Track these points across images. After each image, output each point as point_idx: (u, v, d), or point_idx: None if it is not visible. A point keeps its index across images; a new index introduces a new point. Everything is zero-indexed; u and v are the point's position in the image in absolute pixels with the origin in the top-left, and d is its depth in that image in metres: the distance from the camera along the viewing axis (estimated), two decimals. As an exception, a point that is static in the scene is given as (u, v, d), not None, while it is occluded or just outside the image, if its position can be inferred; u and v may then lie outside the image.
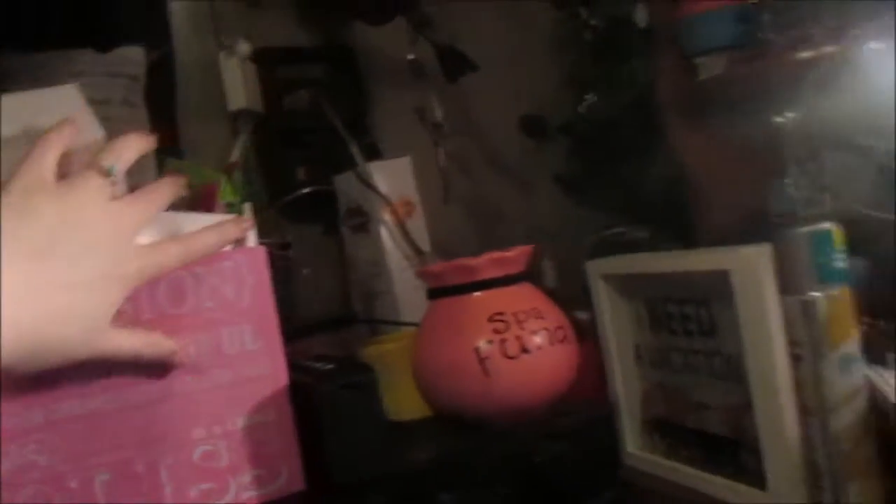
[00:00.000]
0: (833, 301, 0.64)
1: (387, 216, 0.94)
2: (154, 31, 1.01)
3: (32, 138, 0.57)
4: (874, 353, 0.76)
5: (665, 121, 1.12)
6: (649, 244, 1.12)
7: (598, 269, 0.85)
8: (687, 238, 1.10)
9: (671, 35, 1.15)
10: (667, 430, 0.83)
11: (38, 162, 0.49)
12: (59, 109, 0.64)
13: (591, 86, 1.12)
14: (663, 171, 1.12)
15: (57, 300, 0.46)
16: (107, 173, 0.50)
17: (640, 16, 1.22)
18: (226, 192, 0.61)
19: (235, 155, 0.86)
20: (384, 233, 0.94)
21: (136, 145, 0.54)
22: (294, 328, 0.97)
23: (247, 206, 0.59)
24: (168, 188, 0.54)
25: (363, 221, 0.96)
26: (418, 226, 0.96)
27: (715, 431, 0.76)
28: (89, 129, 0.63)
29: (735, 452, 0.73)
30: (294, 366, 0.60)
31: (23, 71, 0.92)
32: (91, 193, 0.50)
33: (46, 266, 0.46)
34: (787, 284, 0.65)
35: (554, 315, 0.68)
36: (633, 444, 0.85)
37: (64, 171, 0.51)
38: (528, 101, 1.25)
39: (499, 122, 1.24)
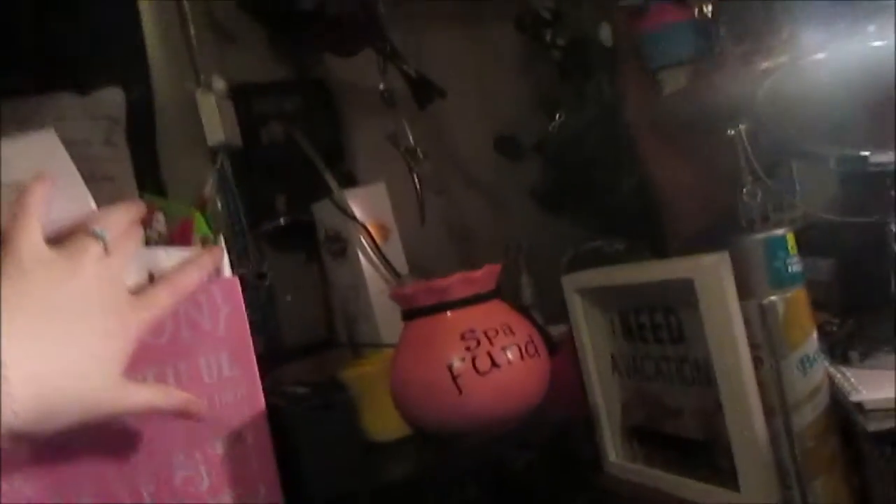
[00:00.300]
0: (789, 303, 0.66)
1: (364, 241, 0.97)
2: (132, 72, 1.03)
3: (12, 185, 0.60)
4: (838, 351, 0.79)
5: (632, 135, 1.15)
6: (625, 256, 1.15)
7: (572, 284, 0.88)
8: (660, 249, 1.12)
9: (634, 51, 1.19)
10: (645, 437, 0.85)
11: (26, 229, 0.51)
12: (38, 155, 0.67)
13: (560, 104, 1.16)
14: (634, 184, 1.15)
15: (70, 356, 0.47)
16: (98, 238, 0.53)
17: (605, 34, 1.26)
18: (200, 226, 0.63)
19: (207, 190, 0.89)
20: (362, 257, 0.97)
21: (126, 214, 0.56)
22: (277, 354, 0.99)
23: (220, 238, 0.62)
24: (136, 225, 0.56)
25: (341, 247, 0.98)
26: (396, 249, 0.99)
27: (690, 436, 0.78)
28: (66, 173, 0.65)
29: (710, 455, 0.75)
30: (272, 390, 0.63)
31: (4, 117, 0.94)
32: (85, 256, 0.51)
33: (53, 326, 0.47)
34: (745, 290, 0.67)
35: (524, 330, 0.70)
36: (614, 453, 0.87)
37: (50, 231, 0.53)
38: (501, 122, 1.28)
39: (473, 144, 1.27)
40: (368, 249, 0.96)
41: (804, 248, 0.70)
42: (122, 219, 0.56)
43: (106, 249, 0.52)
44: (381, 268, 0.95)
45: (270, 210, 1.07)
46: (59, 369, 0.47)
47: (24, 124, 0.95)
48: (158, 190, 1.02)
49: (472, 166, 1.26)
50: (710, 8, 1.07)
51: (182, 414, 0.55)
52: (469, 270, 0.71)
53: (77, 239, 0.53)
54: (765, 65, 1.00)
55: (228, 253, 0.66)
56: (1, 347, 0.44)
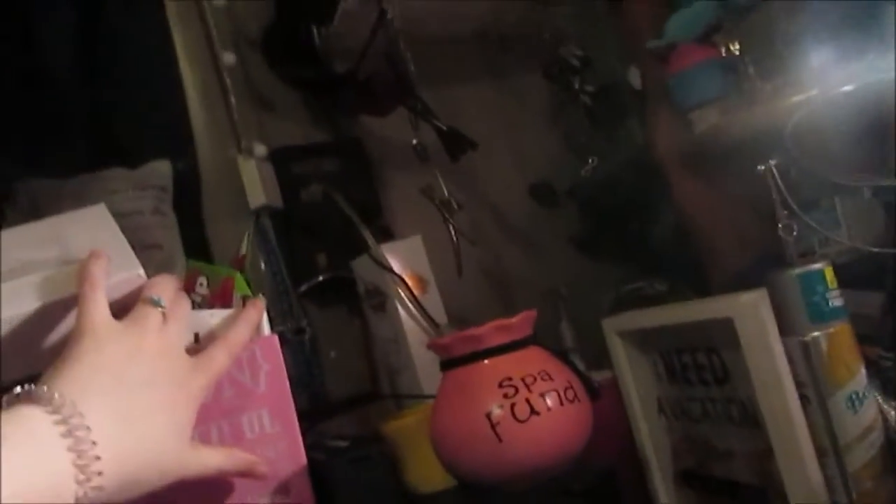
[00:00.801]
0: (832, 339, 0.64)
1: (402, 294, 0.98)
2: (177, 143, 1.09)
3: (68, 260, 0.63)
4: (892, 387, 0.76)
5: (666, 175, 1.15)
6: (666, 297, 1.13)
7: (613, 326, 0.87)
8: (702, 287, 1.11)
9: (663, 93, 1.19)
10: (696, 481, 0.83)
11: (96, 304, 0.54)
12: (90, 229, 0.71)
13: (592, 149, 1.17)
14: (672, 224, 1.14)
15: (146, 427, 0.50)
16: (156, 304, 0.56)
17: (634, 78, 1.27)
18: (240, 286, 0.65)
19: (243, 248, 0.92)
20: (401, 310, 0.98)
21: (173, 281, 0.60)
22: (322, 408, 1.00)
23: (260, 297, 0.64)
24: (182, 294, 0.58)
25: (381, 301, 1.00)
26: (434, 300, 1.00)
27: (742, 479, 0.76)
28: (117, 244, 0.68)
29: (763, 499, 0.73)
30: (314, 444, 0.63)
31: (59, 196, 1.00)
32: (148, 326, 0.54)
33: (129, 400, 0.50)
34: (786, 326, 0.66)
35: (563, 375, 0.70)
36: (666, 498, 0.85)
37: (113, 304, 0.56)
38: (534, 169, 1.30)
39: (507, 192, 1.29)
40: (407, 302, 0.97)
41: (851, 281, 0.69)
42: (172, 286, 0.58)
43: (164, 317, 0.55)
44: (421, 320, 0.96)
45: (312, 267, 1.10)
46: (138, 442, 0.49)
47: (79, 200, 1.00)
48: (204, 254, 1.05)
49: (507, 215, 1.27)
50: (736, 46, 1.08)
51: (247, 475, 0.57)
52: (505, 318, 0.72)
53: (138, 309, 0.55)
54: (794, 99, 1.00)
55: (270, 311, 0.68)
56: (90, 426, 0.46)
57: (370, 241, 0.98)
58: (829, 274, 0.66)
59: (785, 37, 1.03)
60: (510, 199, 1.28)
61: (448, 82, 1.24)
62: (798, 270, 0.66)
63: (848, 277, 0.67)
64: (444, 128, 1.05)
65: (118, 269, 0.63)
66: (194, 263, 0.74)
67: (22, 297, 0.58)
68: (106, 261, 0.58)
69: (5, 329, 0.57)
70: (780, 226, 0.76)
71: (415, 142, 1.06)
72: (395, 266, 0.98)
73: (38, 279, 0.60)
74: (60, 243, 0.68)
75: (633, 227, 1.16)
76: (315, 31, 1.14)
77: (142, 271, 0.67)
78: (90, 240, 0.68)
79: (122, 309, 0.56)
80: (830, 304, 0.65)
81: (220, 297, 0.66)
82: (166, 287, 0.58)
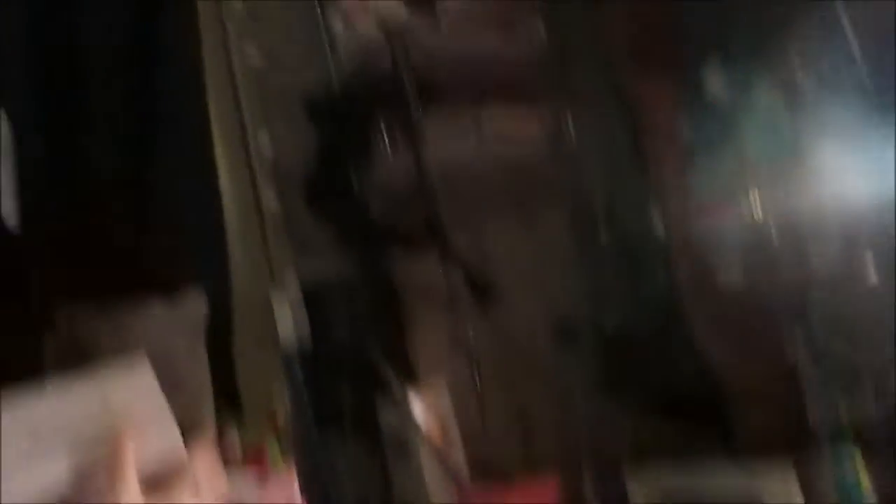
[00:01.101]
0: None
1: (425, 442, 0.98)
2: (214, 275, 1.12)
3: (110, 415, 0.64)
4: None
5: (691, 326, 1.16)
6: (692, 445, 1.12)
7: (639, 494, 0.87)
8: (726, 440, 1.10)
9: (688, 244, 1.22)
10: None
11: (125, 484, 0.51)
12: (129, 387, 0.72)
13: (617, 299, 1.19)
14: (698, 375, 1.14)
15: None
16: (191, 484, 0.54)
17: (658, 226, 1.31)
18: (275, 458, 0.66)
19: (274, 403, 0.92)
20: (422, 458, 0.98)
21: (209, 451, 0.57)
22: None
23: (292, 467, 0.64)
24: (219, 473, 0.58)
25: (403, 446, 1.00)
26: (456, 447, 1.00)
27: None
28: (156, 407, 0.69)
29: None
30: None
31: (101, 322, 1.02)
32: None
33: None
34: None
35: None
36: None
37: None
38: (558, 312, 1.31)
39: (531, 331, 1.30)
40: (429, 452, 0.97)
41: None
42: (208, 458, 0.58)
43: (198, 495, 0.55)
44: (442, 468, 0.96)
45: (337, 407, 1.10)
46: None
47: (116, 331, 1.03)
48: (232, 394, 1.06)
49: (530, 357, 1.28)
50: (758, 202, 1.11)
51: None
52: (531, 467, 0.71)
53: (172, 488, 0.55)
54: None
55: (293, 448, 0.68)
56: None
57: (395, 388, 0.99)
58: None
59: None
60: (533, 339, 1.29)
61: (476, 218, 1.27)
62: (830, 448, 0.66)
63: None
64: (474, 275, 1.08)
65: (156, 438, 0.64)
66: (227, 415, 0.74)
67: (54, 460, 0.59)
68: (140, 436, 0.58)
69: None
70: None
71: (445, 286, 1.09)
72: (419, 411, 0.99)
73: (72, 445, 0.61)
74: (97, 398, 0.70)
75: (659, 376, 1.16)
76: (353, 174, 1.20)
77: (181, 443, 0.67)
78: (129, 399, 0.70)
79: (157, 481, 0.57)
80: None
81: (254, 463, 0.66)
82: (201, 462, 0.58)
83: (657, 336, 1.16)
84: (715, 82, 1.20)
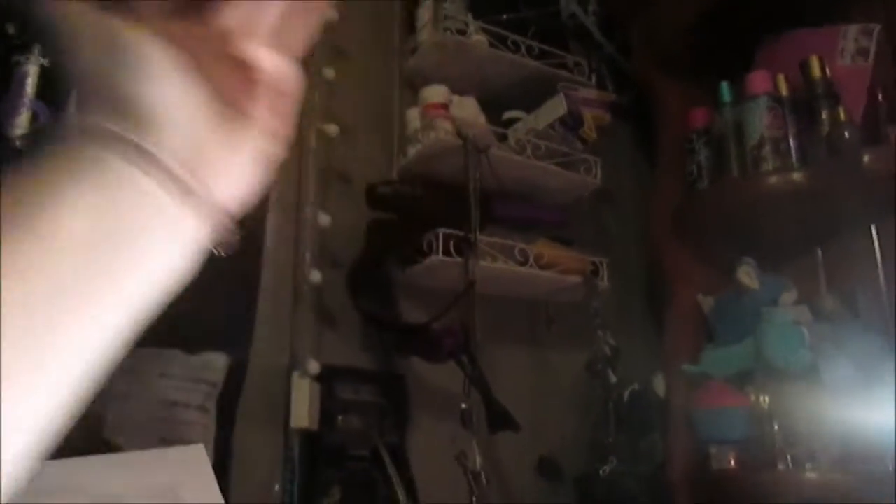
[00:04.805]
0: None
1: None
2: (237, 341, 1.11)
3: (165, 494, 0.63)
4: None
5: (676, 499, 1.21)
6: None
7: None
8: None
9: (684, 416, 1.28)
10: None
11: None
12: (185, 467, 0.71)
13: (613, 450, 1.22)
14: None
15: None
16: None
17: (658, 385, 1.36)
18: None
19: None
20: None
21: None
22: None
23: None
24: None
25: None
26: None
27: None
28: (208, 489, 0.68)
29: None
30: None
31: (117, 364, 0.99)
32: None
33: None
34: None
35: None
36: None
37: None
38: (547, 444, 1.34)
39: (517, 460, 1.32)
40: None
41: None
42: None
43: None
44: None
45: (327, 495, 1.09)
46: None
47: (134, 373, 1.00)
48: (225, 458, 1.04)
49: (511, 484, 1.29)
50: (766, 400, 1.18)
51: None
52: None
53: None
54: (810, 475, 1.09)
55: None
56: None
57: (396, 486, 0.99)
58: None
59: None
60: (518, 468, 1.31)
61: (488, 338, 1.30)
62: None
63: None
64: (494, 402, 1.10)
65: None
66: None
67: None
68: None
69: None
70: None
71: (463, 406, 1.10)
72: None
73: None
74: (152, 474, 0.68)
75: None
76: (399, 268, 1.22)
77: None
78: (183, 478, 0.68)
79: None
80: None
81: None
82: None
83: (642, 491, 1.20)
84: (745, 274, 1.28)
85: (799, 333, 1.19)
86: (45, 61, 0.94)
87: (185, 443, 0.96)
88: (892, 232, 1.21)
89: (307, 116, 1.21)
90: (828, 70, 1.26)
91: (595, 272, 1.31)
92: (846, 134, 1.19)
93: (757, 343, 1.22)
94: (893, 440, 1.06)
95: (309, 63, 1.24)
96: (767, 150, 1.26)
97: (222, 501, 0.65)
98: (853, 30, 1.29)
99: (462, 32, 1.31)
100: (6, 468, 0.28)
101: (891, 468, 1.06)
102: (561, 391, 1.39)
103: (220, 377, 1.05)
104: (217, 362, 1.05)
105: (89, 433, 0.96)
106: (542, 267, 1.27)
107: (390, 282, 1.22)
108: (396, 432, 1.17)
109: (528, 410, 1.32)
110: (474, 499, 1.06)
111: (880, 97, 1.23)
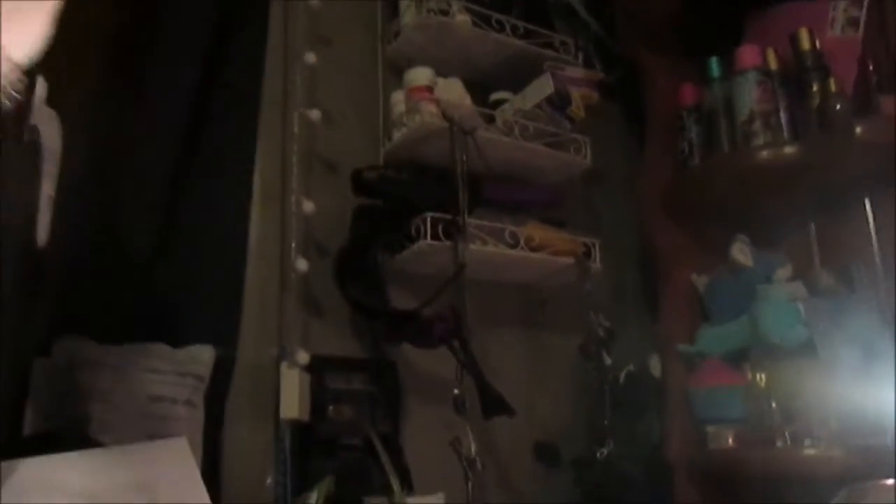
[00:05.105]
0: None
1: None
2: (224, 333, 1.08)
3: (144, 490, 0.61)
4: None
5: (674, 481, 1.19)
6: None
7: None
8: None
9: (682, 396, 1.26)
10: None
11: None
12: (167, 461, 0.69)
13: (610, 433, 1.20)
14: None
15: None
16: None
17: (654, 365, 1.35)
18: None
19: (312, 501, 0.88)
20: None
21: None
22: None
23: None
24: None
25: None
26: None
27: None
28: (191, 483, 0.67)
29: None
30: None
31: (101, 361, 0.97)
32: None
33: None
34: None
35: None
36: None
37: None
38: (544, 428, 1.32)
39: (513, 445, 1.30)
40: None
41: None
42: None
43: None
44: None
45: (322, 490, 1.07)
46: None
47: (117, 372, 0.98)
48: (215, 452, 1.02)
49: (509, 468, 1.28)
50: (763, 378, 1.16)
51: None
52: None
53: None
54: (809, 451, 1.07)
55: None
56: None
57: (396, 491, 0.97)
58: None
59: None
60: (515, 454, 1.29)
61: (481, 323, 1.27)
62: None
63: None
64: (488, 387, 1.08)
65: None
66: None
67: None
68: None
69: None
70: None
71: (456, 392, 1.08)
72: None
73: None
74: (134, 468, 0.66)
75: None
76: (387, 255, 1.19)
77: None
78: (166, 472, 0.67)
79: None
80: None
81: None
82: None
83: (638, 486, 1.18)
84: (739, 251, 1.26)
85: (794, 310, 1.17)
86: None
87: (172, 434, 0.94)
88: (887, 204, 1.20)
89: (289, 102, 1.19)
90: (818, 42, 1.25)
91: (587, 254, 1.29)
92: (837, 106, 1.17)
93: (752, 321, 1.20)
94: (891, 414, 1.05)
95: (290, 48, 1.22)
96: (758, 124, 1.24)
97: (204, 494, 0.63)
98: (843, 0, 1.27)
99: (445, 13, 1.28)
100: None
101: (889, 442, 1.05)
102: (556, 375, 1.38)
103: (206, 370, 1.02)
104: (203, 355, 1.03)
105: (74, 433, 0.94)
106: (532, 249, 1.25)
107: (378, 269, 1.19)
108: (389, 421, 1.15)
109: (522, 395, 1.31)
110: (470, 485, 1.05)
111: (871, 67, 1.21)
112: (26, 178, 0.81)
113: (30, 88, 0.76)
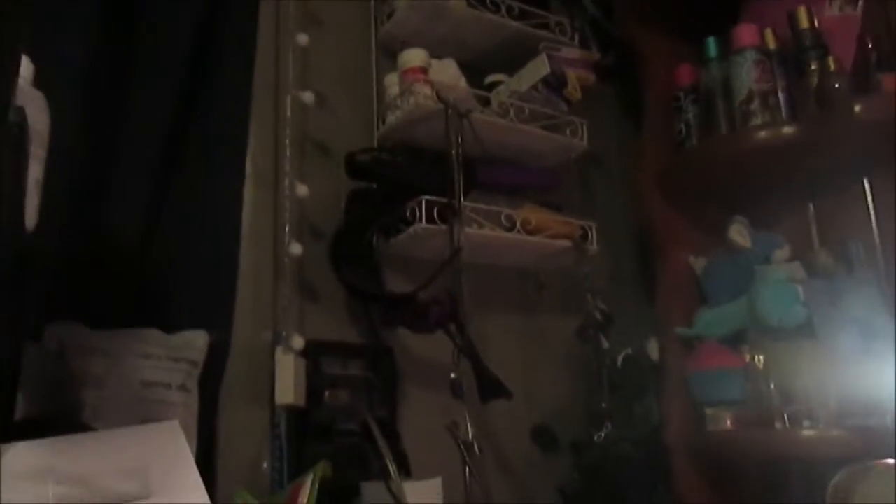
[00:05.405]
0: None
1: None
2: (218, 317, 1.07)
3: (136, 473, 0.60)
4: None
5: (673, 462, 1.19)
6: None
7: None
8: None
9: (680, 378, 1.26)
10: None
11: None
12: (159, 445, 0.68)
13: (609, 416, 1.20)
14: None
15: None
16: None
17: (652, 348, 1.34)
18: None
19: (304, 497, 0.87)
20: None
21: None
22: None
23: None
24: None
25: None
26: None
27: None
28: (184, 466, 0.66)
29: None
30: None
31: (93, 347, 0.96)
32: None
33: None
34: None
35: None
36: None
37: None
38: (541, 411, 1.32)
39: (511, 428, 1.29)
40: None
41: None
42: None
43: None
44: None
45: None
46: None
47: (109, 357, 0.96)
48: (210, 438, 1.01)
49: (507, 452, 1.27)
50: (761, 360, 1.16)
51: None
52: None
53: None
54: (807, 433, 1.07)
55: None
56: None
57: (394, 473, 0.96)
58: None
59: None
60: (512, 437, 1.29)
61: (477, 306, 1.27)
62: None
63: None
64: (485, 371, 1.08)
65: (181, 494, 0.60)
66: (246, 497, 0.71)
67: None
68: None
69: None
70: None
71: (453, 376, 1.07)
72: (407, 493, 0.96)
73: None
74: (125, 452, 0.65)
75: (626, 499, 1.18)
76: (382, 238, 1.18)
77: (206, 497, 0.64)
78: (158, 456, 0.66)
79: None
80: None
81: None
82: None
83: (642, 467, 1.18)
84: (737, 232, 1.25)
85: (793, 291, 1.16)
86: None
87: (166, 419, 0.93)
88: (886, 184, 1.19)
89: (281, 84, 1.17)
90: (816, 20, 1.23)
91: (584, 237, 1.28)
92: (836, 85, 1.16)
93: (751, 302, 1.19)
94: (890, 395, 1.05)
95: (282, 28, 1.21)
96: (756, 104, 1.23)
97: (197, 477, 0.62)
98: (842, -23, 1.25)
99: (439, -7, 1.26)
100: None
101: (888, 423, 1.05)
102: (553, 358, 1.37)
103: (200, 356, 1.01)
104: (197, 341, 1.02)
105: (67, 418, 0.93)
106: (529, 232, 1.24)
107: (374, 252, 1.18)
108: (386, 405, 1.14)
109: (520, 378, 1.30)
110: (467, 469, 1.04)
111: (870, 45, 1.20)
112: (13, 161, 0.80)
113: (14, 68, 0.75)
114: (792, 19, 1.24)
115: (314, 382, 1.09)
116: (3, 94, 0.64)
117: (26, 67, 0.79)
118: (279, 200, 1.14)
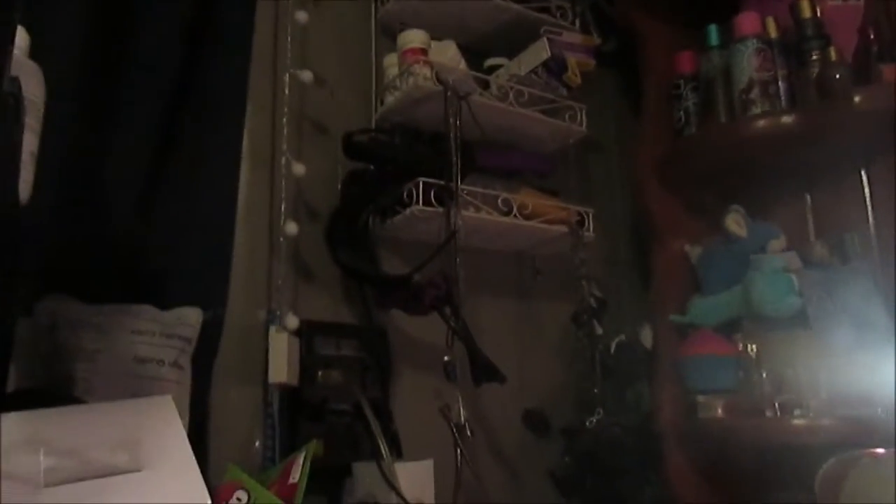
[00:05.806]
0: None
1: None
2: (212, 295, 1.07)
3: (128, 446, 0.60)
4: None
5: (664, 449, 1.19)
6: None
7: None
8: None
9: (672, 365, 1.26)
10: None
11: None
12: (152, 419, 0.68)
13: (600, 401, 1.20)
14: (656, 497, 1.17)
15: None
16: None
17: (646, 336, 1.34)
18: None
19: (295, 476, 0.87)
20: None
21: None
22: None
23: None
24: None
25: (375, 512, 0.97)
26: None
27: None
28: (177, 441, 0.66)
29: None
30: None
31: (85, 321, 0.96)
32: None
33: None
34: None
35: None
36: None
37: None
38: (533, 395, 1.32)
39: (503, 412, 1.30)
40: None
41: None
42: None
43: None
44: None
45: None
46: None
47: (101, 332, 0.96)
48: (203, 415, 1.01)
49: (500, 437, 1.28)
50: (754, 349, 1.16)
51: None
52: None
53: None
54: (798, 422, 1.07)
55: None
56: None
57: (385, 454, 0.96)
58: None
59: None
60: (505, 421, 1.29)
61: (472, 289, 1.26)
62: None
63: None
64: (479, 354, 1.08)
65: (174, 470, 0.61)
66: (237, 473, 0.71)
67: None
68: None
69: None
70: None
71: (447, 359, 1.07)
72: (401, 485, 0.96)
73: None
74: (118, 426, 0.65)
75: (620, 486, 1.18)
76: (378, 220, 1.18)
77: (199, 474, 0.65)
78: (150, 430, 0.66)
79: None
80: None
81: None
82: None
83: (632, 452, 1.18)
84: (733, 221, 1.25)
85: (787, 280, 1.17)
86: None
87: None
88: (883, 175, 1.19)
89: (279, 62, 1.16)
90: (818, 9, 1.23)
91: (580, 223, 1.28)
92: (837, 74, 1.15)
93: (745, 291, 1.20)
94: (882, 385, 1.05)
95: (280, 6, 1.20)
96: (756, 93, 1.22)
97: (189, 451, 0.62)
98: (845, -33, 1.24)
99: (440, -26, 1.25)
100: None
101: (879, 413, 1.05)
102: (547, 343, 1.37)
103: (194, 333, 1.01)
104: (191, 317, 1.01)
105: (59, 392, 0.93)
106: (526, 217, 1.23)
107: (369, 233, 1.18)
108: (379, 386, 1.14)
109: (513, 362, 1.30)
110: (459, 451, 1.04)
111: (872, 36, 1.19)
112: (7, 132, 0.80)
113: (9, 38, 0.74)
114: (794, 8, 1.24)
115: (307, 362, 1.09)
116: (-2, 63, 0.63)
117: (22, 38, 0.78)
118: (275, 179, 1.13)
